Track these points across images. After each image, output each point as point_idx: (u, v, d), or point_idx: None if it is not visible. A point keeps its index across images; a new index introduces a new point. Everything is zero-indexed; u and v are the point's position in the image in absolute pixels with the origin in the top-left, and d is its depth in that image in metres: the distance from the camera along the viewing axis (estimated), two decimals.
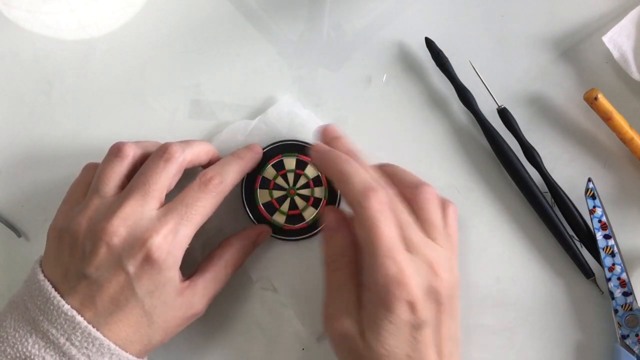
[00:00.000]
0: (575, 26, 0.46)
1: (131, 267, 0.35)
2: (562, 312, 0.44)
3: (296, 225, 0.43)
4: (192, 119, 0.46)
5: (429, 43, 0.45)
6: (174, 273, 0.37)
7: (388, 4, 0.47)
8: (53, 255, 0.37)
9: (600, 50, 0.45)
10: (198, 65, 0.46)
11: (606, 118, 0.43)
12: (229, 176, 0.39)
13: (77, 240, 0.36)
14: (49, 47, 0.47)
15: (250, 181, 0.44)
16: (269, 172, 0.44)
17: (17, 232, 0.45)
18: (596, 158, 0.45)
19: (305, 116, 0.45)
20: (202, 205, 0.37)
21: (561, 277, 0.44)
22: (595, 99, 0.42)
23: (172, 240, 0.36)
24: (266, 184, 0.44)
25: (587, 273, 0.43)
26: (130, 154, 0.39)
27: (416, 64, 0.46)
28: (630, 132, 0.43)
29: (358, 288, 0.36)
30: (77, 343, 0.34)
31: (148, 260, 0.35)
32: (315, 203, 0.44)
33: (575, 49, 0.46)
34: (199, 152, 0.40)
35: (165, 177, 0.37)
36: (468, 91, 0.44)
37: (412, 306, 0.34)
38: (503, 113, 0.44)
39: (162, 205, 0.37)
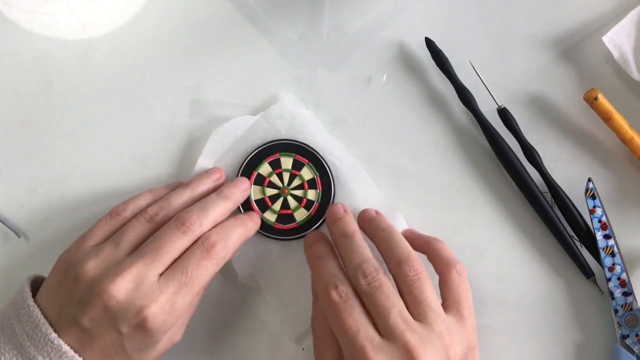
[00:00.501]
0: (575, 26, 0.46)
1: (124, 329, 0.35)
2: (562, 312, 0.44)
3: (286, 225, 0.43)
4: (192, 119, 0.46)
5: (429, 43, 0.45)
6: (166, 334, 0.37)
7: (388, 4, 0.47)
8: (54, 286, 0.37)
9: (600, 50, 0.45)
10: (198, 65, 0.46)
11: (606, 118, 0.43)
12: (232, 243, 0.39)
13: (79, 285, 0.36)
14: (49, 47, 0.47)
15: (245, 177, 0.44)
16: (265, 169, 0.44)
17: (17, 232, 0.45)
18: (596, 158, 0.45)
19: (307, 117, 0.45)
20: (203, 273, 0.37)
21: (561, 277, 0.44)
22: (595, 99, 0.42)
23: (169, 310, 0.36)
24: (261, 180, 0.44)
25: (587, 273, 0.43)
26: (161, 221, 0.39)
27: (416, 64, 0.46)
28: (630, 132, 0.43)
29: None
30: None
31: (142, 327, 0.35)
32: (308, 205, 0.43)
33: (575, 49, 0.46)
34: (215, 219, 0.39)
35: (180, 248, 0.37)
36: (468, 91, 0.44)
37: None
38: (503, 113, 0.44)
39: (166, 269, 0.37)
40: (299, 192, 0.44)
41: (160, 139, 0.46)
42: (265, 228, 0.43)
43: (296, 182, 0.44)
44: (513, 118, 0.44)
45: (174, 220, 0.38)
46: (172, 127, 0.46)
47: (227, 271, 0.44)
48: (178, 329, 0.39)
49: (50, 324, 0.35)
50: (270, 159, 0.44)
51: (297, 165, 0.44)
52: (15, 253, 0.45)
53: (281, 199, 0.44)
